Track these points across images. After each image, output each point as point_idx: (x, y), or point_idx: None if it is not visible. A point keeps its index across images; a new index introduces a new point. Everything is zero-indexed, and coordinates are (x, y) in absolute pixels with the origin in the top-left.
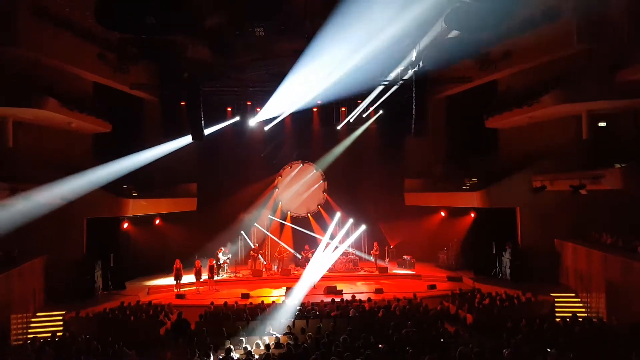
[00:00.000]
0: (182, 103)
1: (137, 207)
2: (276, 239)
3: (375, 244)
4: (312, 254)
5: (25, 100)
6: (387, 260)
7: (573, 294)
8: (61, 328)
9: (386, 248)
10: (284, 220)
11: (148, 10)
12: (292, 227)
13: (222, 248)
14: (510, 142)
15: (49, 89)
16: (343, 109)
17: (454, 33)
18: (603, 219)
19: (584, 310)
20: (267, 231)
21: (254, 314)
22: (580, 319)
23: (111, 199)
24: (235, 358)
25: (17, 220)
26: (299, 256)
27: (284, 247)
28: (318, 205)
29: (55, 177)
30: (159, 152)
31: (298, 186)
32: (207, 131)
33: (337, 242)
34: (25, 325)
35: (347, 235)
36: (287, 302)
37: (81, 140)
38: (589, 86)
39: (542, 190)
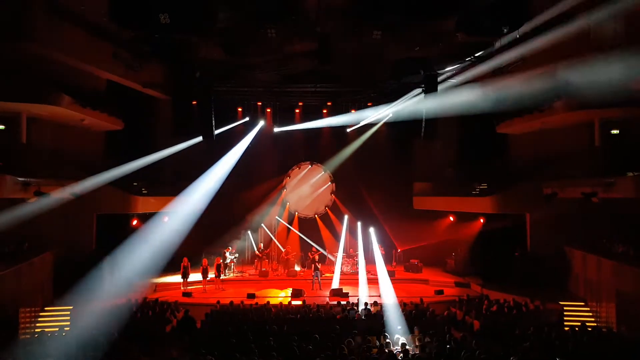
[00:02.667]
0: (194, 102)
1: (146, 204)
2: (278, 243)
3: (380, 247)
4: (319, 255)
5: (39, 96)
6: (394, 264)
7: (582, 303)
8: (68, 323)
9: (393, 252)
10: (292, 221)
11: (162, 9)
12: (299, 228)
13: (229, 247)
14: (521, 148)
15: (62, 86)
16: (353, 111)
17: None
18: (614, 228)
19: (593, 319)
20: (275, 232)
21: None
22: (590, 329)
23: (121, 196)
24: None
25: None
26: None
27: (290, 249)
28: (326, 207)
29: (68, 173)
30: (170, 151)
31: (306, 187)
32: (218, 131)
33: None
34: (34, 319)
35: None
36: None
37: (94, 137)
38: (602, 93)
39: (553, 198)
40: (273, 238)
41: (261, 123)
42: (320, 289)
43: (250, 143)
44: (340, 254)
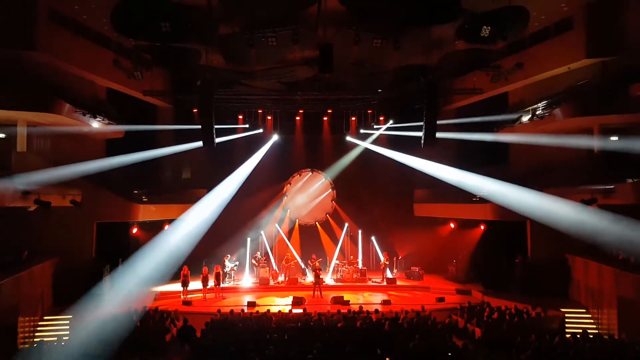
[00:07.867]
0: (194, 110)
1: (147, 212)
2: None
3: (384, 254)
4: (319, 262)
5: (39, 104)
6: (394, 271)
7: (584, 310)
8: (68, 332)
9: (394, 259)
10: (293, 228)
11: (163, 17)
12: (299, 235)
13: (229, 255)
14: (521, 155)
15: (62, 94)
16: (353, 118)
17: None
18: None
19: (594, 326)
20: (275, 239)
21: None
22: (591, 335)
23: (122, 204)
24: None
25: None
26: (303, 265)
27: (290, 256)
28: (326, 214)
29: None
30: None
31: (307, 194)
32: (218, 138)
33: None
34: (33, 329)
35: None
36: None
37: (94, 145)
38: (601, 100)
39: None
40: (267, 247)
41: (261, 130)
42: (321, 297)
43: (251, 151)
44: (334, 260)
